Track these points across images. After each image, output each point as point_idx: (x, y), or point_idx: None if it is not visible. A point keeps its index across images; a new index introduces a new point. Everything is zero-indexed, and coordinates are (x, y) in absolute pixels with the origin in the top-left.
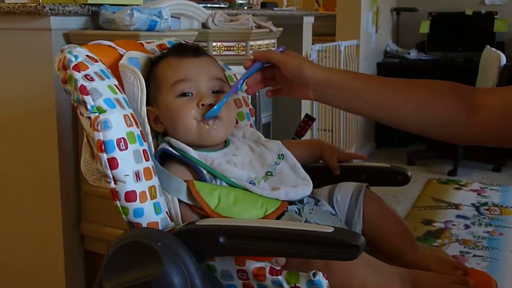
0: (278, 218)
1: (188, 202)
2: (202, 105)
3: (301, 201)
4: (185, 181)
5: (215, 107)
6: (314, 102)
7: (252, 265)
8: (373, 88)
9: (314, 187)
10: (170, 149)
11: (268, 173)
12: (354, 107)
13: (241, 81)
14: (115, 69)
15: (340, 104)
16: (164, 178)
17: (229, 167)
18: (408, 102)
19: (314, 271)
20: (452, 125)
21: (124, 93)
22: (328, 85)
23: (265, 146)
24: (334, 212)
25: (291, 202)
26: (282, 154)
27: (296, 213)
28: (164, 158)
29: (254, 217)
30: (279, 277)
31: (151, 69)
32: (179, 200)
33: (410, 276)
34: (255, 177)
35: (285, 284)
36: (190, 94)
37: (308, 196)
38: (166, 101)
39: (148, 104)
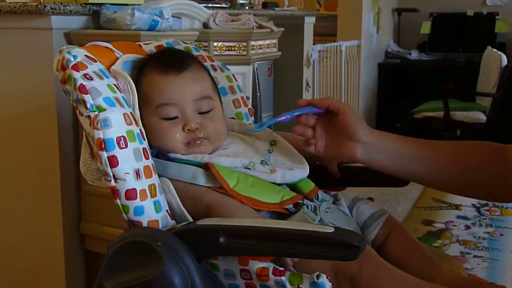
0: (294, 211)
1: (206, 185)
2: (188, 129)
3: (317, 197)
4: (204, 164)
5: (259, 128)
6: None
7: (255, 265)
8: (419, 148)
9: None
10: (162, 149)
11: (263, 162)
12: (401, 168)
13: (291, 115)
14: None
15: (386, 165)
16: (175, 169)
17: (221, 158)
18: (453, 162)
19: (317, 273)
20: (489, 180)
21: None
22: (380, 146)
23: (256, 136)
24: (350, 214)
25: (308, 198)
26: (273, 140)
27: (312, 211)
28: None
29: (271, 201)
30: (283, 277)
31: (136, 78)
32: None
33: None
34: (249, 162)
35: (288, 285)
36: (175, 117)
37: (325, 193)
38: (150, 122)
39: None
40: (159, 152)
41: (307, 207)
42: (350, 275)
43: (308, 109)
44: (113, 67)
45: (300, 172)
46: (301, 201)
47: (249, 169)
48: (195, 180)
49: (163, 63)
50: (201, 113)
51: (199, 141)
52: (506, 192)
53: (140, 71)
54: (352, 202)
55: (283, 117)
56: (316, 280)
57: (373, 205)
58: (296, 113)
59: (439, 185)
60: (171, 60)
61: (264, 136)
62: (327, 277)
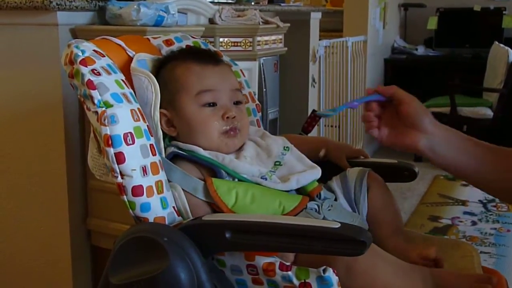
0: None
1: (205, 200)
2: (227, 117)
3: (319, 196)
4: (204, 179)
5: (332, 112)
6: (321, 97)
7: (262, 260)
8: (487, 152)
9: (321, 181)
10: (180, 151)
11: (277, 163)
12: (466, 166)
13: (361, 102)
14: (123, 70)
15: (449, 159)
16: (180, 177)
17: (240, 163)
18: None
19: (324, 267)
20: None
21: (131, 88)
22: (445, 139)
23: (271, 139)
24: (354, 209)
25: (310, 199)
26: (287, 147)
27: (316, 210)
28: (174, 160)
29: None
30: (289, 272)
31: (163, 71)
32: (194, 196)
33: (431, 274)
34: (267, 172)
35: (295, 280)
36: (214, 105)
37: (327, 190)
38: (189, 109)
39: (161, 106)
40: (176, 155)
41: (310, 207)
42: (345, 262)
43: (374, 96)
44: (132, 65)
45: (313, 173)
46: (305, 207)
47: (265, 179)
48: (196, 193)
49: (199, 55)
50: (235, 104)
51: (234, 132)
52: None
53: (169, 64)
54: (341, 182)
55: (353, 104)
56: (322, 274)
57: (352, 175)
58: (364, 100)
59: (496, 191)
60: (206, 54)
61: (279, 141)
62: (333, 271)
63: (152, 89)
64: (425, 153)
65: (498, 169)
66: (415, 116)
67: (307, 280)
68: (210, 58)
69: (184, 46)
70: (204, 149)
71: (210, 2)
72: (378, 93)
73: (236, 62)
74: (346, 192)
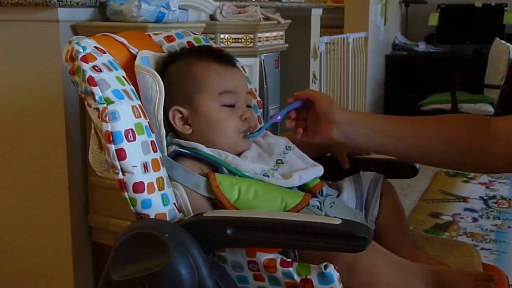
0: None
1: (208, 195)
2: (245, 119)
3: (322, 193)
4: (207, 174)
5: (259, 131)
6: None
7: (263, 256)
8: (394, 123)
9: (323, 179)
10: (182, 150)
11: (279, 161)
12: (376, 143)
13: (283, 114)
14: (124, 66)
15: (362, 141)
16: (181, 174)
17: (242, 161)
18: (429, 134)
19: (325, 263)
20: (473, 154)
21: (132, 85)
22: (352, 123)
23: (273, 138)
24: (355, 203)
25: (312, 196)
26: (289, 146)
27: (318, 207)
28: (175, 159)
29: None
30: (290, 269)
31: (173, 68)
32: (196, 193)
33: (432, 272)
34: (269, 169)
35: (296, 276)
36: (232, 106)
37: (330, 187)
38: (210, 107)
39: (173, 103)
40: (177, 154)
41: (312, 204)
42: (347, 261)
43: (295, 104)
44: (136, 62)
45: (315, 170)
46: (307, 204)
47: (268, 176)
48: (198, 189)
49: (217, 55)
50: (247, 107)
51: (249, 132)
52: (490, 164)
53: (175, 60)
54: (355, 182)
55: (277, 118)
56: (323, 271)
57: (366, 177)
58: (287, 111)
59: (422, 161)
60: (223, 55)
61: (281, 141)
62: (334, 268)
63: (157, 87)
64: (341, 141)
65: (422, 144)
66: (325, 110)
67: (308, 277)
68: (227, 59)
69: (185, 43)
70: (222, 146)
71: None
72: (297, 99)
73: (237, 59)
74: (358, 193)
